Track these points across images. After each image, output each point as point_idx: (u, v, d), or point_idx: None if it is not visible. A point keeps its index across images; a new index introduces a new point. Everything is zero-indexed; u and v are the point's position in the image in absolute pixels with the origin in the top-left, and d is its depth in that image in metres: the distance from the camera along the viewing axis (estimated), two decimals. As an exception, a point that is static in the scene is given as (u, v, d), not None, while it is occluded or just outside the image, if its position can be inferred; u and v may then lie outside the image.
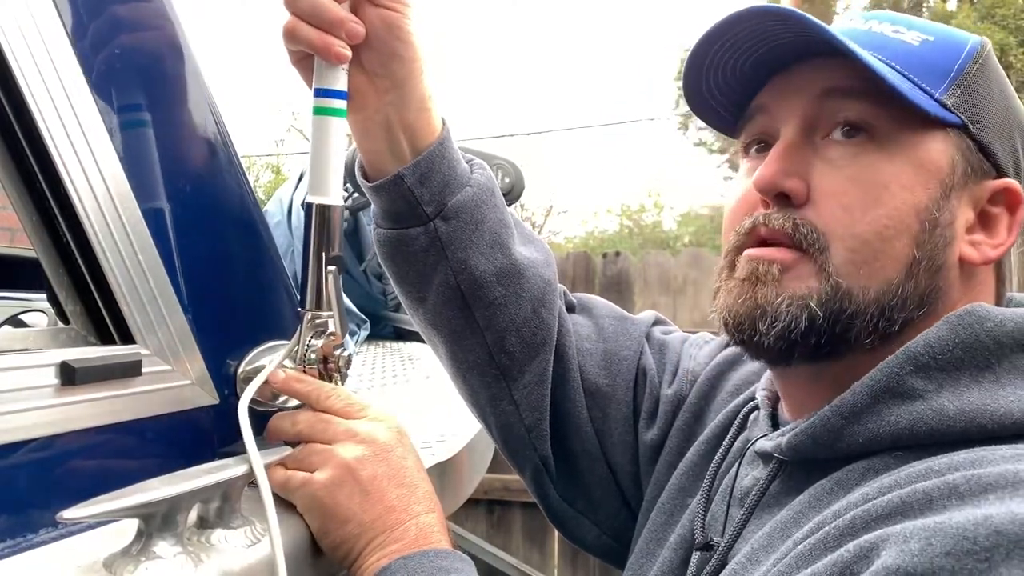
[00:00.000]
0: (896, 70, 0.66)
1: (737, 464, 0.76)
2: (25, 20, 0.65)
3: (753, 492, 0.69)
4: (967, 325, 0.61)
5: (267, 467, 0.70)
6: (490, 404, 0.92)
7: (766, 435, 0.71)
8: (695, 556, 0.73)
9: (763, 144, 0.74)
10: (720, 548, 0.69)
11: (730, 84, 0.74)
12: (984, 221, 0.68)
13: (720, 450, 0.79)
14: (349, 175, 0.87)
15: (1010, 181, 0.68)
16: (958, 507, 0.50)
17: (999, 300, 0.71)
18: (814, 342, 0.66)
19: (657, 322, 0.99)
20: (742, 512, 0.69)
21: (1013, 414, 0.58)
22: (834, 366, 0.67)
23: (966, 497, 0.50)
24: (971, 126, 0.67)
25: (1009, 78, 0.71)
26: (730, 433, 0.80)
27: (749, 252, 0.69)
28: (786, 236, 0.67)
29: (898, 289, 0.65)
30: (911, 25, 0.69)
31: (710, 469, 0.79)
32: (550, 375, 0.91)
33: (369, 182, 0.86)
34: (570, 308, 0.98)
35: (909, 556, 0.47)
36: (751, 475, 0.72)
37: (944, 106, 0.66)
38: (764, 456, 0.71)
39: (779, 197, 0.68)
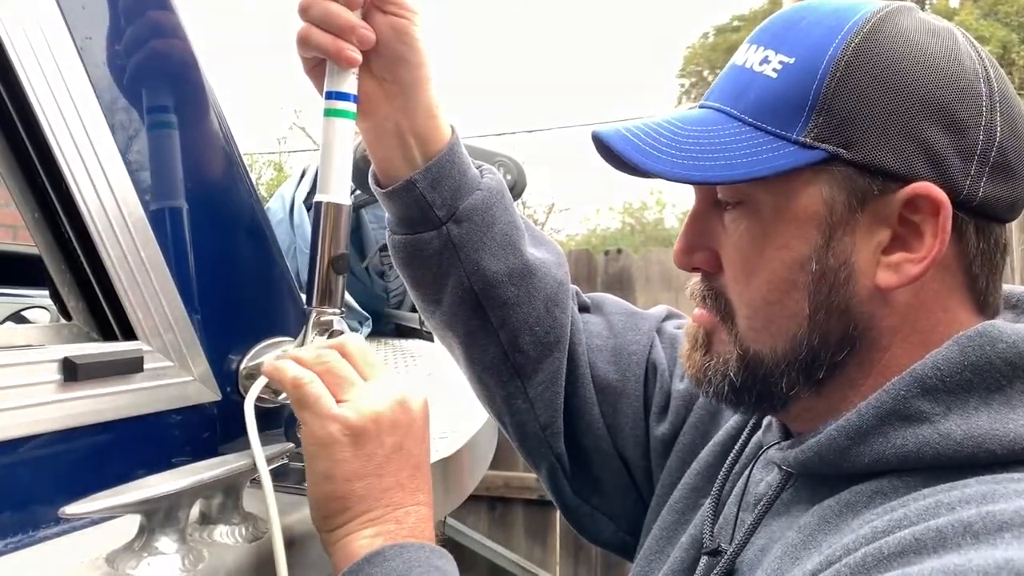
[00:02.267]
0: (749, 124, 0.64)
1: (750, 468, 0.76)
2: (28, 20, 0.65)
3: (764, 499, 0.69)
4: (978, 346, 0.59)
5: (270, 469, 0.69)
6: (505, 403, 0.93)
7: (777, 443, 0.71)
8: (703, 560, 0.73)
9: None
10: (728, 555, 0.69)
11: None
12: (904, 235, 0.62)
13: (733, 453, 0.79)
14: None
15: (919, 185, 0.60)
16: (974, 546, 0.48)
17: (980, 302, 0.65)
18: (748, 400, 0.68)
19: (670, 316, 0.99)
20: (752, 518, 0.69)
21: (1023, 438, 0.56)
22: (802, 401, 0.67)
23: (981, 536, 0.49)
24: (845, 152, 0.61)
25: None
26: (744, 435, 0.80)
27: (693, 313, 0.72)
28: (703, 304, 0.70)
29: (803, 342, 0.64)
30: (780, 44, 0.64)
31: (722, 472, 0.78)
32: (564, 373, 0.92)
33: (382, 188, 0.87)
34: (584, 308, 0.99)
35: None
36: (764, 481, 0.72)
37: (804, 144, 0.61)
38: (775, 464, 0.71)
39: (696, 268, 0.71)
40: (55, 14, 0.67)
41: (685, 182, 0.65)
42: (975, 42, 0.65)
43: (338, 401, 0.68)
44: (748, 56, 0.66)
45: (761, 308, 0.66)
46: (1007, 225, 0.66)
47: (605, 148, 0.68)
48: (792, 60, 0.63)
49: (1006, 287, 0.70)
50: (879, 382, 0.63)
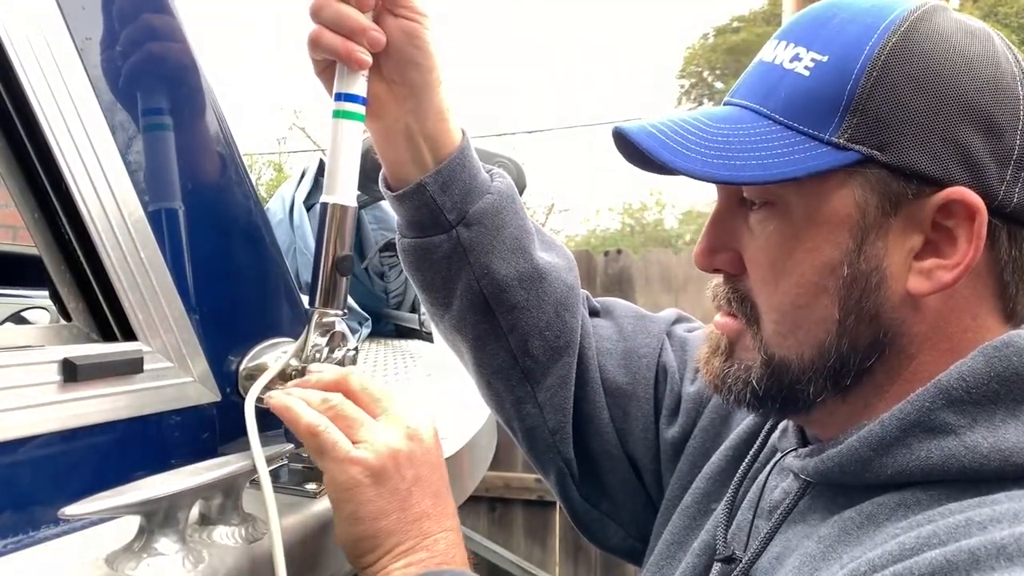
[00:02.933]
0: (780, 123, 0.62)
1: (767, 474, 0.75)
2: (28, 21, 0.65)
3: (782, 507, 0.68)
4: (1004, 357, 0.57)
5: (270, 470, 0.69)
6: (515, 408, 0.93)
7: (794, 449, 0.70)
8: (716, 567, 0.72)
9: None
10: (743, 563, 0.68)
11: None
12: (938, 240, 0.61)
13: (748, 457, 0.79)
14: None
15: (955, 190, 0.59)
16: (1008, 569, 0.47)
17: (1009, 310, 0.64)
18: (771, 406, 0.67)
19: (680, 320, 0.99)
20: (769, 526, 0.68)
21: None
22: (827, 406, 0.65)
23: (1015, 558, 0.48)
24: (879, 154, 0.59)
25: None
26: (759, 440, 0.79)
27: (714, 319, 0.71)
28: (726, 308, 0.69)
29: (832, 349, 0.62)
30: (812, 41, 0.63)
31: (736, 477, 0.78)
32: (573, 378, 0.92)
33: (392, 191, 0.87)
34: (594, 312, 0.99)
35: None
36: (780, 487, 0.71)
37: (838, 146, 0.60)
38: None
39: (718, 270, 0.69)
40: (55, 15, 0.67)
41: (718, 182, 0.64)
42: (1011, 44, 0.64)
43: (353, 443, 0.68)
44: (778, 52, 0.65)
45: (789, 312, 0.64)
46: None
47: (628, 145, 0.67)
48: (825, 58, 0.62)
49: None
50: (905, 389, 0.62)
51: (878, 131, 0.60)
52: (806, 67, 0.62)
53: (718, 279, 0.71)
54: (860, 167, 0.60)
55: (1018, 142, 0.60)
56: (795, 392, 0.65)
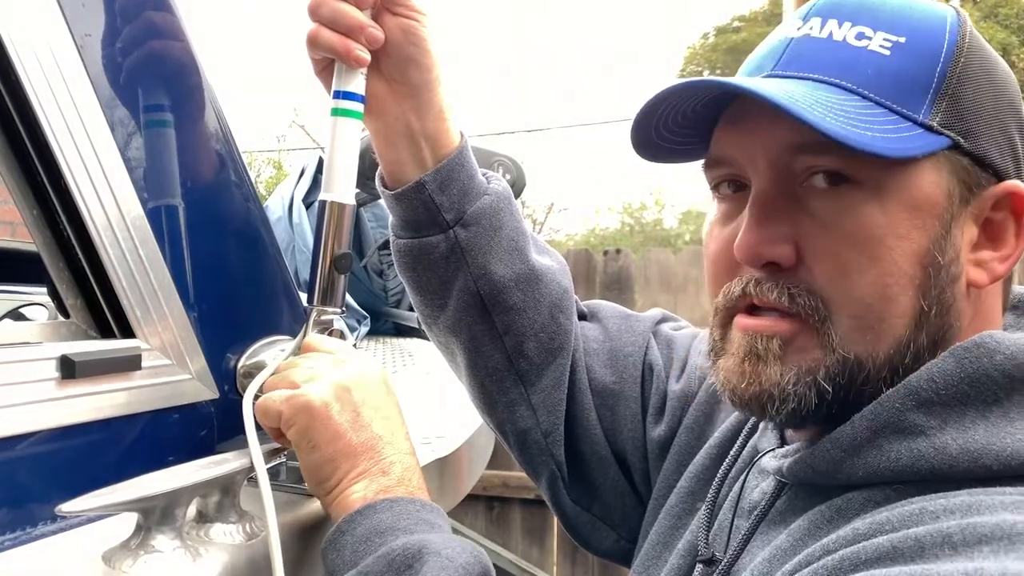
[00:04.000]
0: (869, 99, 0.59)
1: (745, 473, 0.75)
2: (28, 18, 0.65)
3: (760, 506, 0.68)
4: (975, 358, 0.57)
5: (268, 468, 0.70)
6: (507, 410, 0.93)
7: (772, 450, 0.70)
8: (698, 568, 0.72)
9: (736, 183, 0.67)
10: (723, 563, 0.68)
11: (682, 127, 0.67)
12: (989, 233, 0.61)
13: (728, 458, 0.79)
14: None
15: (1012, 184, 0.60)
16: (950, 557, 0.48)
17: (1005, 304, 0.66)
18: (826, 412, 0.61)
19: (665, 319, 0.99)
20: (748, 525, 0.68)
21: (1020, 454, 0.54)
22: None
23: (959, 548, 0.48)
24: (964, 141, 0.59)
25: None
26: (739, 439, 0.79)
27: (743, 322, 0.64)
28: (783, 306, 0.61)
29: (909, 345, 0.60)
30: (876, 22, 0.61)
31: (717, 477, 0.78)
32: (567, 379, 0.92)
33: (390, 191, 0.87)
34: (581, 316, 0.99)
35: None
36: (760, 488, 0.70)
37: (931, 129, 0.59)
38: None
39: (767, 264, 0.62)
40: (55, 12, 0.67)
41: (863, 151, 0.56)
42: None
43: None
44: (831, 30, 0.62)
45: (875, 304, 0.59)
46: None
47: (783, 109, 0.56)
48: (903, 39, 0.60)
49: None
50: (877, 400, 0.60)
51: (964, 118, 0.60)
52: (881, 46, 0.60)
53: (747, 275, 0.63)
54: (947, 152, 0.60)
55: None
56: (861, 395, 0.60)
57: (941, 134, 0.59)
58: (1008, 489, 0.53)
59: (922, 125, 0.59)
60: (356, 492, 0.69)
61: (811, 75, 0.61)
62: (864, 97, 0.59)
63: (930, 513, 0.52)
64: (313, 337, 0.78)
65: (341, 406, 0.71)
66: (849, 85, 0.60)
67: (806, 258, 0.61)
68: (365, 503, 0.68)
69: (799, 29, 0.63)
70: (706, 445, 0.84)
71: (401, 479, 0.71)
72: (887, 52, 0.60)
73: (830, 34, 0.62)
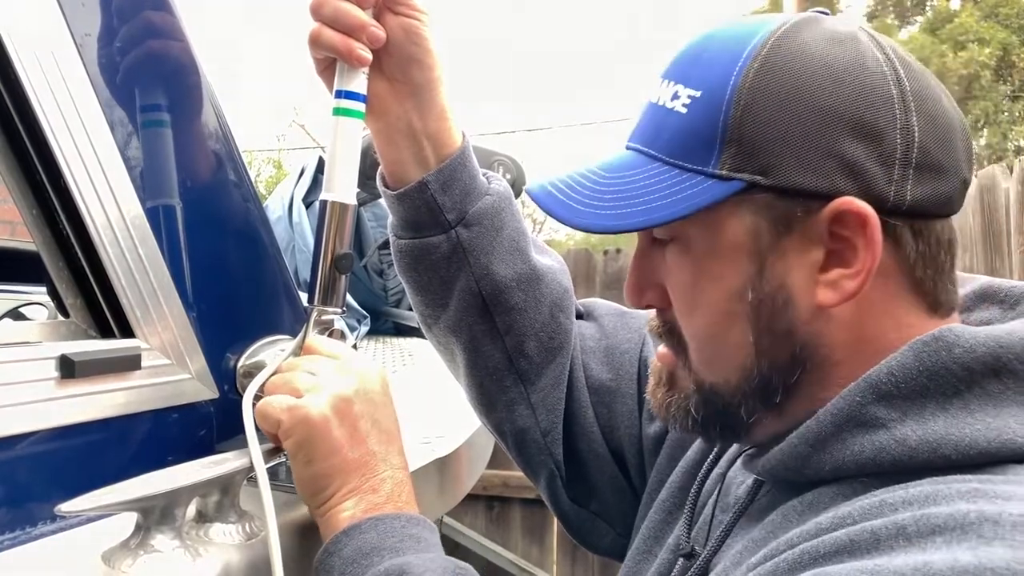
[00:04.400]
0: (667, 162, 0.64)
1: (727, 469, 0.76)
2: (28, 17, 0.65)
3: (740, 501, 0.69)
4: (933, 352, 0.58)
5: (268, 468, 0.70)
6: (507, 410, 0.93)
7: (752, 447, 0.71)
8: (679, 563, 0.73)
9: None
10: (702, 557, 0.69)
11: None
12: (839, 250, 0.61)
13: (712, 455, 0.79)
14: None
15: (841, 201, 0.59)
16: (904, 549, 0.48)
17: (931, 303, 0.63)
18: (714, 432, 0.69)
19: None
20: (728, 520, 0.69)
21: (978, 443, 0.55)
22: (765, 425, 0.66)
23: (913, 539, 0.49)
24: (761, 179, 0.60)
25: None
26: None
27: (657, 352, 0.73)
28: (661, 339, 0.71)
29: (754, 370, 0.64)
30: (686, 78, 0.64)
31: (700, 473, 0.79)
32: (566, 378, 0.92)
33: (391, 191, 0.87)
34: (577, 316, 0.99)
35: None
36: (745, 484, 0.71)
37: (721, 177, 0.61)
38: None
39: (649, 305, 0.71)
40: (55, 11, 0.67)
41: (607, 232, 0.65)
42: (881, 40, 0.63)
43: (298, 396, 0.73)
44: (661, 92, 0.66)
45: (706, 341, 0.66)
46: (944, 224, 0.63)
47: (540, 205, 0.69)
48: (699, 93, 0.63)
49: (985, 279, 0.70)
50: (839, 395, 0.62)
51: (756, 157, 0.60)
52: (684, 104, 0.63)
53: (653, 313, 0.72)
54: (746, 194, 0.61)
55: (899, 140, 0.60)
56: (729, 416, 0.66)
57: (732, 179, 0.61)
58: (968, 476, 0.54)
59: (713, 176, 0.61)
60: (345, 510, 0.71)
61: (635, 144, 0.67)
62: (663, 162, 0.64)
63: (889, 505, 0.53)
64: (315, 339, 0.78)
65: (340, 420, 0.72)
66: (652, 152, 0.65)
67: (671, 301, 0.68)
68: (352, 522, 0.70)
69: (653, 91, 0.68)
70: (696, 440, 0.85)
71: (391, 496, 0.72)
72: (685, 111, 0.63)
73: (658, 98, 0.66)
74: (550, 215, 0.67)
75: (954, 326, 0.59)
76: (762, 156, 0.60)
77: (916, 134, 0.60)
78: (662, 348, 0.71)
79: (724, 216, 0.62)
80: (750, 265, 0.62)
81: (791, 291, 0.62)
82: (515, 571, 3.68)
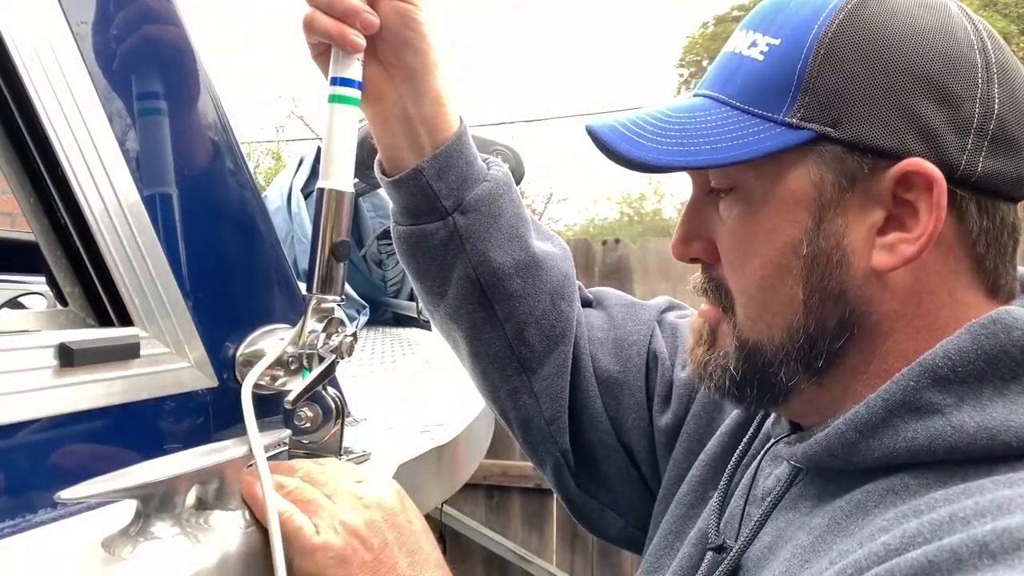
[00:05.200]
0: (737, 108, 0.63)
1: (758, 461, 0.74)
2: (24, 5, 0.65)
3: (772, 494, 0.68)
4: (991, 335, 0.56)
5: (268, 457, 0.69)
6: (510, 398, 0.93)
7: (786, 436, 0.70)
8: (708, 556, 0.72)
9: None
10: (734, 551, 0.67)
11: None
12: (900, 214, 0.60)
13: (741, 445, 0.78)
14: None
15: (911, 163, 0.58)
16: (990, 568, 0.46)
17: (991, 285, 0.63)
18: (750, 394, 0.67)
19: (671, 307, 0.99)
20: (760, 513, 0.68)
21: None
22: (804, 393, 0.65)
23: (998, 556, 0.46)
24: (831, 131, 0.59)
25: None
26: (752, 426, 0.79)
27: (699, 309, 0.72)
28: (707, 297, 0.70)
29: (800, 330, 0.63)
30: (768, 27, 0.63)
31: (729, 465, 0.77)
32: (569, 366, 0.91)
33: (388, 177, 0.87)
34: (586, 303, 0.99)
35: None
36: (774, 474, 0.70)
37: (791, 125, 0.60)
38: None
39: (695, 259, 0.70)
40: (53, 4, 0.66)
41: (670, 169, 0.64)
42: (972, 14, 0.63)
43: (314, 526, 0.67)
44: (738, 41, 0.66)
45: (756, 296, 0.65)
46: (1018, 207, 0.63)
47: (600, 141, 0.67)
48: (778, 41, 0.62)
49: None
50: (883, 370, 0.61)
51: (830, 108, 0.60)
52: (761, 52, 0.63)
53: (698, 270, 0.71)
54: (814, 145, 0.60)
55: (978, 110, 0.59)
56: (768, 377, 0.65)
57: (802, 128, 0.60)
58: None
59: (783, 123, 0.61)
60: None
61: (708, 92, 0.67)
62: (732, 107, 0.64)
63: (960, 519, 0.50)
64: (331, 463, 0.74)
65: (361, 561, 0.66)
66: (723, 97, 0.65)
67: (720, 255, 0.68)
68: None
69: (731, 42, 0.67)
70: (717, 432, 0.84)
71: None
72: (761, 58, 0.63)
73: (735, 46, 0.66)
74: (608, 149, 0.65)
75: (1012, 308, 0.58)
76: (835, 108, 0.60)
77: (996, 106, 0.59)
78: (705, 306, 0.70)
79: (788, 166, 0.62)
80: (808, 218, 0.62)
81: (847, 250, 0.61)
82: (515, 560, 3.69)
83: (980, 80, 0.59)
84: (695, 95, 0.69)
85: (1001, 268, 0.62)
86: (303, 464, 0.73)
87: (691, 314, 0.99)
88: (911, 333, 0.61)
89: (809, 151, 0.61)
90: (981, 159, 0.59)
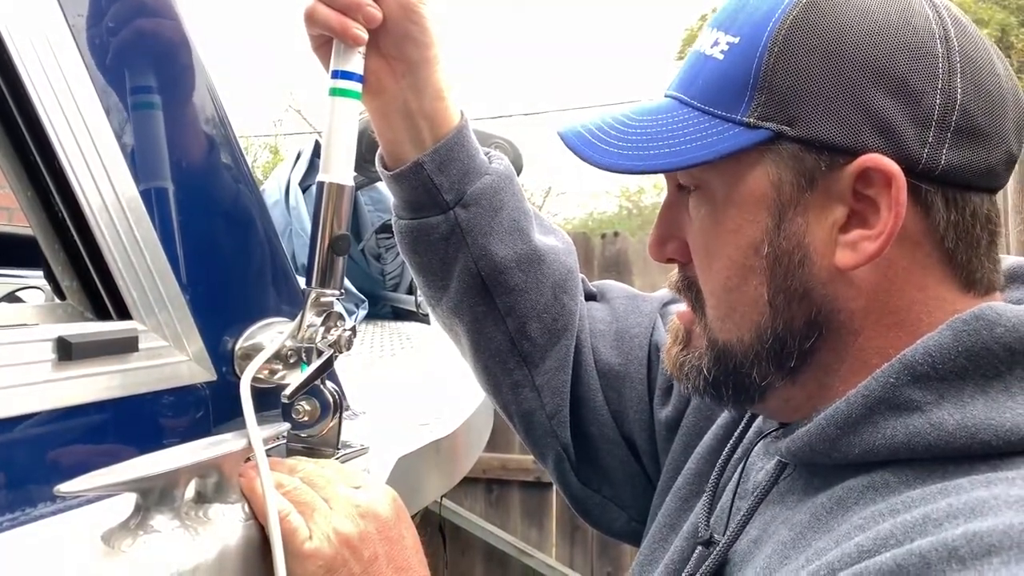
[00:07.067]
0: (698, 108, 0.63)
1: (749, 456, 0.74)
2: (22, 2, 0.65)
3: (761, 487, 0.68)
4: (973, 331, 0.55)
5: (266, 450, 0.69)
6: (512, 392, 0.93)
7: (774, 431, 0.70)
8: (697, 550, 0.72)
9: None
10: (721, 546, 0.67)
11: None
12: (862, 211, 0.59)
13: (732, 439, 0.78)
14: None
15: (867, 158, 0.57)
16: (958, 572, 0.45)
17: (965, 279, 0.61)
18: (725, 393, 0.67)
19: (674, 299, 0.98)
20: (748, 506, 0.67)
21: (1020, 428, 0.52)
22: (779, 392, 0.65)
23: (967, 561, 0.45)
24: (788, 129, 0.59)
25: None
26: (743, 421, 0.79)
27: (677, 311, 0.72)
28: (681, 295, 0.70)
29: (768, 330, 0.62)
30: (728, 26, 0.63)
31: (720, 459, 0.77)
32: (571, 360, 0.91)
33: (389, 171, 0.87)
34: (589, 296, 0.98)
35: None
36: (764, 469, 0.70)
37: (748, 125, 0.60)
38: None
39: (671, 260, 0.71)
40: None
41: (629, 172, 0.65)
42: (938, 1, 0.61)
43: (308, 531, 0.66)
44: (703, 40, 0.65)
45: (723, 296, 0.64)
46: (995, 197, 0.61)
47: (567, 145, 0.69)
48: (737, 40, 0.62)
49: (1014, 259, 0.67)
50: (857, 367, 0.61)
51: (785, 106, 0.59)
52: (721, 51, 0.62)
53: (675, 269, 0.71)
54: (772, 144, 0.60)
55: (938, 101, 0.57)
56: (741, 377, 0.65)
57: (759, 128, 0.60)
58: (1010, 474, 0.51)
59: (740, 123, 0.60)
60: None
61: (674, 93, 0.67)
62: (694, 108, 0.64)
63: (933, 521, 0.50)
64: (332, 465, 0.73)
65: (351, 568, 0.65)
66: (686, 98, 0.65)
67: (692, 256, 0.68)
68: None
69: (698, 41, 0.67)
70: (713, 426, 0.84)
71: None
72: (722, 57, 0.62)
73: (700, 45, 0.66)
74: (575, 154, 0.67)
75: (995, 304, 0.57)
76: (791, 106, 0.59)
77: (959, 96, 0.58)
78: (681, 306, 0.71)
79: (747, 166, 0.61)
80: (768, 218, 0.61)
81: (808, 249, 0.60)
82: (514, 553, 3.70)
83: (940, 71, 0.58)
84: (664, 95, 0.69)
85: (976, 262, 0.61)
86: (304, 465, 0.72)
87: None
88: (882, 330, 0.60)
89: (767, 150, 0.60)
90: (944, 151, 0.58)
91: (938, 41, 0.58)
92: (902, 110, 0.58)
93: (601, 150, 0.65)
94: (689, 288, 0.68)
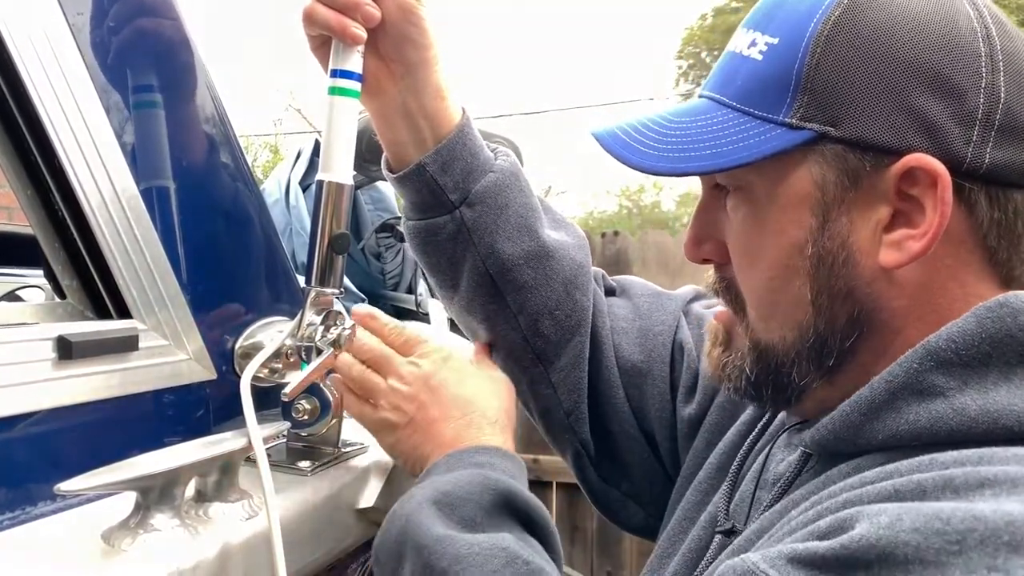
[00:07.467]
0: (738, 109, 0.63)
1: (770, 446, 0.74)
2: (23, 0, 0.65)
3: (784, 478, 0.68)
4: (997, 318, 0.55)
5: (266, 449, 0.70)
6: (530, 389, 0.93)
7: (799, 423, 0.70)
8: (716, 539, 0.72)
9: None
10: (742, 535, 0.66)
11: None
12: (906, 210, 0.59)
13: (755, 431, 0.78)
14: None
15: (911, 157, 0.57)
16: (951, 499, 0.47)
17: (1004, 276, 0.61)
18: (766, 394, 0.67)
19: (698, 296, 0.97)
20: (770, 497, 0.67)
21: None
22: (816, 393, 0.65)
23: (960, 491, 0.47)
24: (832, 130, 0.59)
25: None
26: (767, 414, 0.79)
27: (716, 311, 0.73)
28: (719, 296, 0.70)
29: (810, 329, 0.63)
30: (766, 26, 0.63)
31: (742, 450, 0.78)
32: (586, 357, 0.91)
33: (393, 173, 0.87)
34: (610, 291, 0.98)
35: (876, 528, 0.46)
36: (786, 460, 0.70)
37: (791, 126, 0.60)
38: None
39: (707, 260, 0.70)
40: (48, -8, 0.66)
41: (670, 175, 0.64)
42: (979, 1, 0.61)
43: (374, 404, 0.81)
44: (739, 41, 0.65)
45: (765, 296, 0.64)
46: None
47: (604, 147, 0.68)
48: (776, 40, 0.62)
49: None
50: (896, 361, 0.60)
51: (829, 107, 0.59)
52: (760, 52, 0.62)
53: (711, 270, 0.71)
54: (815, 145, 0.60)
55: (982, 100, 0.58)
56: (781, 377, 0.65)
57: (802, 128, 0.60)
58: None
59: (782, 124, 0.60)
60: (429, 458, 0.77)
61: (711, 93, 0.66)
62: (733, 109, 0.63)
63: (939, 463, 0.51)
64: (414, 326, 0.85)
65: (411, 408, 0.81)
66: (725, 99, 0.64)
67: (731, 256, 0.68)
68: (431, 464, 0.76)
69: (733, 41, 0.67)
70: (737, 422, 0.84)
71: (468, 433, 0.79)
72: (761, 58, 0.62)
73: (736, 45, 0.65)
74: (612, 156, 0.66)
75: (1019, 292, 0.57)
76: (834, 106, 0.59)
77: (1002, 94, 0.58)
78: (721, 308, 0.71)
79: (790, 166, 0.61)
80: (812, 218, 0.61)
81: (853, 248, 0.61)
82: (514, 553, 3.70)
83: (984, 70, 0.58)
84: (700, 96, 0.69)
85: (1016, 259, 0.61)
86: (372, 349, 0.84)
87: (719, 303, 0.99)
88: (923, 328, 0.60)
89: (810, 151, 0.60)
90: (988, 150, 0.58)
91: (980, 40, 0.59)
92: (946, 109, 0.58)
93: (639, 152, 0.65)
94: (728, 289, 0.68)
